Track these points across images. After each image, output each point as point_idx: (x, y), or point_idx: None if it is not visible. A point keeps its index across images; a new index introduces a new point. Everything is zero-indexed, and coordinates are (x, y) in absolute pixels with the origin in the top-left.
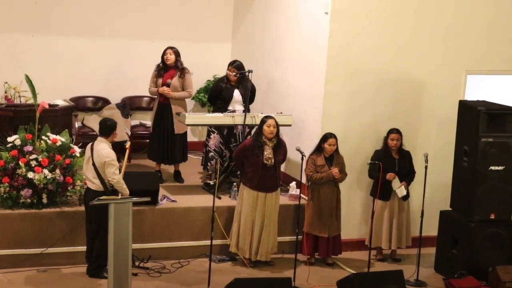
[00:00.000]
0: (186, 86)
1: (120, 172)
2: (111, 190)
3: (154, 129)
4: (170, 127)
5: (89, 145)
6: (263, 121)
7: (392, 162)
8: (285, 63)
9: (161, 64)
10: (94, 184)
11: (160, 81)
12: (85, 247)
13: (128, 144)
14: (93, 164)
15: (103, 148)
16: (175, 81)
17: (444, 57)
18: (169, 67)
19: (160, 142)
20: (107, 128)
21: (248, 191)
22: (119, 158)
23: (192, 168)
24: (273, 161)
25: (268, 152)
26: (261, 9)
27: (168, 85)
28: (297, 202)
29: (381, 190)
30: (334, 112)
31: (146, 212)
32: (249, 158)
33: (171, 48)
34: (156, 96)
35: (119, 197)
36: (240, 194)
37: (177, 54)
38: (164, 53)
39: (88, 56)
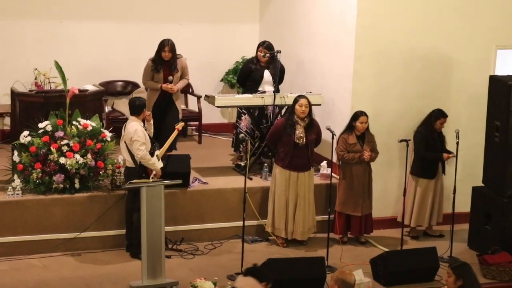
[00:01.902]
0: (185, 74)
1: (156, 149)
2: (140, 166)
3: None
4: (174, 117)
5: (124, 125)
6: (295, 100)
7: (436, 139)
8: (314, 43)
9: (157, 59)
10: (128, 161)
11: (160, 76)
12: (118, 230)
13: (180, 125)
14: (125, 142)
15: (131, 126)
16: (176, 75)
17: (474, 33)
18: (166, 61)
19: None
20: (136, 107)
21: (281, 170)
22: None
23: (222, 150)
24: (304, 140)
25: (299, 131)
26: None
27: (170, 82)
28: (328, 181)
29: (427, 168)
30: (364, 91)
31: (178, 194)
32: (281, 137)
33: (167, 43)
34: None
35: (151, 176)
36: (273, 173)
37: (173, 48)
38: (162, 50)
39: (116, 40)
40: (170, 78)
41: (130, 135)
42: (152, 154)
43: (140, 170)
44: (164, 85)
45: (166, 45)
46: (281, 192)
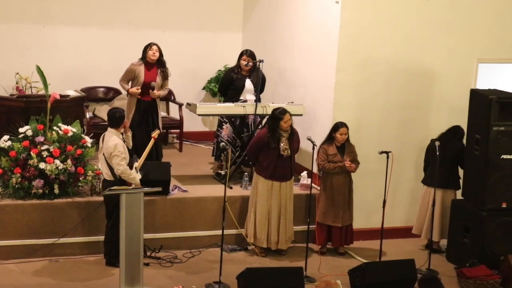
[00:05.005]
0: (166, 84)
1: (134, 161)
2: (119, 180)
3: (132, 127)
4: (154, 125)
5: (102, 136)
6: (278, 118)
7: None
8: (296, 53)
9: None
10: (107, 174)
11: (141, 79)
12: (97, 237)
13: (155, 133)
14: (104, 155)
15: (111, 140)
16: (158, 80)
17: (455, 46)
18: (151, 64)
19: (143, 140)
20: (116, 119)
21: (263, 180)
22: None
23: (203, 158)
24: (289, 151)
25: (284, 143)
26: None
27: (153, 88)
28: (308, 192)
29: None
30: (345, 102)
31: (158, 202)
32: (264, 150)
33: (156, 44)
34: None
35: (131, 187)
36: (254, 183)
37: (161, 51)
38: (149, 49)
39: (99, 46)
40: (153, 83)
41: (110, 149)
42: (131, 166)
43: (118, 184)
44: (151, 93)
45: (153, 44)
46: (264, 202)
